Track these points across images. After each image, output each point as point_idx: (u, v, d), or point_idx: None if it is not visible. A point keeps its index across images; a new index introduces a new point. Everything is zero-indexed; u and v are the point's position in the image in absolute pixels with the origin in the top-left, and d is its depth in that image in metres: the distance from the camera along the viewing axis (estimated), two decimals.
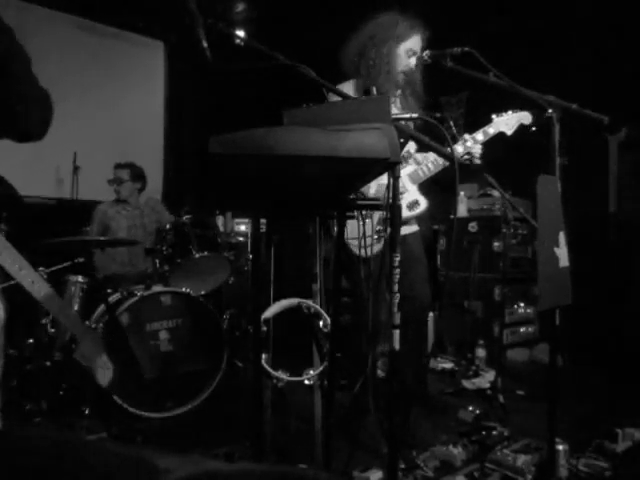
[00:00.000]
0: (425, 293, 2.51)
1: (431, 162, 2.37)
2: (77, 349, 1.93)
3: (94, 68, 4.99)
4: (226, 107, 5.39)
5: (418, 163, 2.41)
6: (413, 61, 2.36)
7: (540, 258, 1.52)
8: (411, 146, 2.45)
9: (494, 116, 2.38)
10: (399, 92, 2.41)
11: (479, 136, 2.36)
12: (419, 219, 2.56)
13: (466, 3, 4.11)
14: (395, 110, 2.40)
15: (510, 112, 2.37)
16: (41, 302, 1.48)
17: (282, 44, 1.75)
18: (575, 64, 3.67)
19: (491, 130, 2.37)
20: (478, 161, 2.36)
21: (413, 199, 2.38)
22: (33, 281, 1.44)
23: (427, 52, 2.15)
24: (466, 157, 2.35)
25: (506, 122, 2.37)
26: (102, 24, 5.07)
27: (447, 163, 2.34)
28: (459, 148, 2.34)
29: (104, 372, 1.98)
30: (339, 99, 1.49)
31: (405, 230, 2.46)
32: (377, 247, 2.24)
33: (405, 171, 2.36)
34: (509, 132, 2.38)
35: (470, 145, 2.33)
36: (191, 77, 5.50)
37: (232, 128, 1.00)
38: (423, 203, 2.41)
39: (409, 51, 2.36)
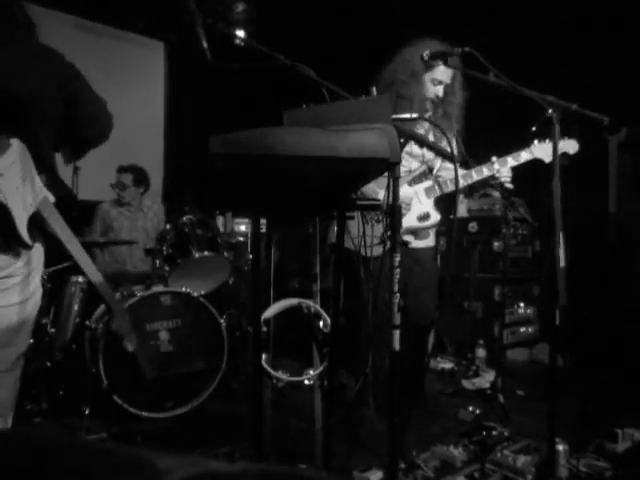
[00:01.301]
0: (431, 305, 2.54)
1: (450, 180, 2.37)
2: (113, 322, 2.37)
3: (94, 68, 4.94)
4: (226, 107, 5.39)
5: (439, 183, 2.42)
6: (440, 90, 2.36)
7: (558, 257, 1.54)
8: (436, 162, 2.47)
9: (536, 141, 2.26)
10: (429, 114, 2.41)
11: (509, 159, 2.27)
12: (437, 235, 2.60)
13: (467, 3, 4.11)
14: (422, 131, 2.40)
15: (549, 140, 2.24)
16: (94, 282, 1.68)
17: (282, 44, 1.75)
18: (575, 64, 3.67)
19: (524, 155, 2.27)
20: (510, 185, 2.30)
21: (425, 211, 2.38)
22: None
23: (427, 52, 2.15)
24: (494, 181, 2.30)
25: (545, 149, 2.24)
26: (102, 24, 5.07)
27: (469, 182, 2.32)
28: (484, 170, 2.30)
29: (131, 341, 2.36)
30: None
31: (420, 243, 2.48)
32: (380, 249, 2.27)
33: (422, 185, 2.39)
34: (547, 160, 2.23)
35: (497, 168, 2.27)
36: (191, 77, 5.50)
37: (232, 128, 1.00)
38: (434, 216, 2.41)
39: (434, 80, 2.35)
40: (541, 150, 2.25)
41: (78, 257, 1.53)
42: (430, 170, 2.47)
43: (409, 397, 2.44)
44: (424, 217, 2.39)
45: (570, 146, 2.25)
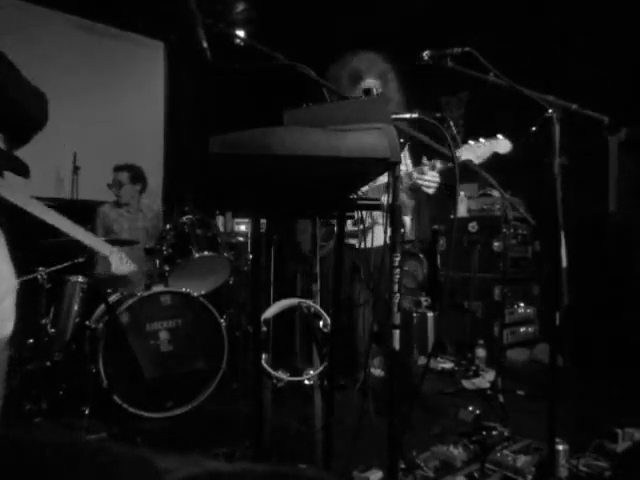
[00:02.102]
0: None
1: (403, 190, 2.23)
2: (112, 266, 2.13)
3: (94, 68, 4.99)
4: (226, 107, 5.39)
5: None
6: None
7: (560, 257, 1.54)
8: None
9: (471, 141, 2.12)
10: None
11: (437, 163, 2.14)
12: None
13: (467, 3, 4.11)
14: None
15: (483, 140, 2.12)
16: (61, 228, 1.57)
17: (282, 44, 1.76)
18: (575, 64, 3.67)
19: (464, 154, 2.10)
20: (430, 191, 2.16)
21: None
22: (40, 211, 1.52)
23: (427, 52, 2.15)
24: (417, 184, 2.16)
25: (475, 150, 2.11)
26: (102, 24, 5.07)
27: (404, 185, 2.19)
28: (414, 174, 2.15)
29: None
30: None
31: (376, 242, 2.45)
32: (326, 249, 2.25)
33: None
34: (477, 161, 2.09)
35: (426, 171, 2.13)
36: (191, 77, 5.50)
37: (232, 128, 1.00)
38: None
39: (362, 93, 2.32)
40: (470, 151, 2.11)
41: (42, 214, 1.47)
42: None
43: (405, 397, 2.44)
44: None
45: (501, 146, 2.12)
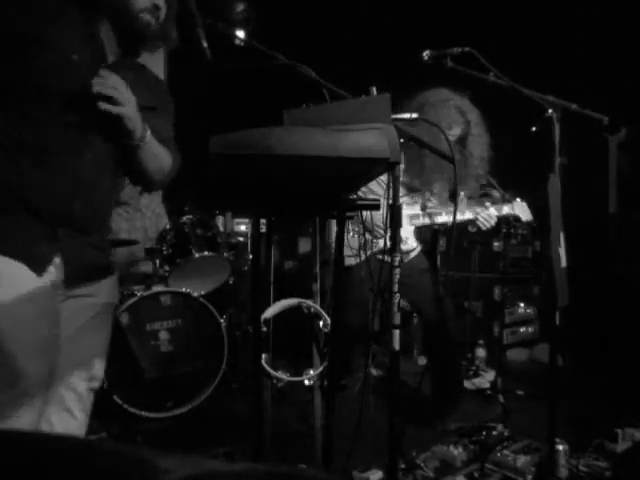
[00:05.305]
0: (429, 311, 2.52)
1: (439, 215, 2.41)
2: None
3: None
4: (226, 107, 5.39)
5: (429, 214, 2.42)
6: None
7: (554, 257, 1.54)
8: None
9: (518, 199, 2.43)
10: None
11: (492, 209, 2.42)
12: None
13: (467, 2, 4.11)
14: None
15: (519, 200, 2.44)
16: None
17: (282, 44, 1.75)
18: (575, 64, 3.67)
19: (506, 209, 2.42)
20: (484, 227, 2.42)
21: (404, 236, 2.38)
22: None
23: (427, 52, 2.14)
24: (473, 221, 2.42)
25: (523, 209, 2.41)
26: None
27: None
28: (467, 213, 2.41)
29: None
30: None
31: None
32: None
33: (407, 212, 2.40)
34: (524, 218, 2.43)
35: (489, 207, 2.40)
36: (191, 77, 5.50)
37: (232, 128, 1.00)
38: (410, 242, 2.46)
39: None
40: (520, 208, 2.43)
41: None
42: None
43: (449, 390, 2.51)
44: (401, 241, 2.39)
45: (519, 209, 2.42)
